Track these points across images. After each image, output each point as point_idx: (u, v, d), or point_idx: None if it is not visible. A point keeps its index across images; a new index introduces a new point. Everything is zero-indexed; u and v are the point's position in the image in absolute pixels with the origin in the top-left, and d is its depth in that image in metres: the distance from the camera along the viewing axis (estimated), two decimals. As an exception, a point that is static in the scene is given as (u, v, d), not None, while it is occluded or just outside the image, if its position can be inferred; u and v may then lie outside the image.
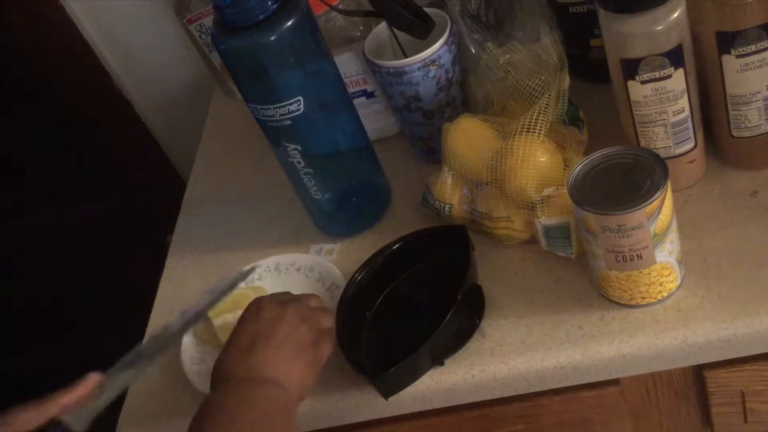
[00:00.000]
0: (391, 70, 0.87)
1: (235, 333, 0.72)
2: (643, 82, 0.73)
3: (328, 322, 0.76)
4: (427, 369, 0.74)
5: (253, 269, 0.84)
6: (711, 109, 0.79)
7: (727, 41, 0.71)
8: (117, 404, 0.83)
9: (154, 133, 1.42)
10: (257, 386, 0.67)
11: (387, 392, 0.73)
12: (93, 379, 0.63)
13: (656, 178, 0.66)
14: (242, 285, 0.89)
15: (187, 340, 0.85)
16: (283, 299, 0.75)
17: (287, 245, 0.93)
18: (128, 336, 0.96)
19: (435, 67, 0.87)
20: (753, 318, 0.69)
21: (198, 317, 0.74)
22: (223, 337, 0.80)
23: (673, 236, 0.69)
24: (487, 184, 0.80)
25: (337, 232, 0.92)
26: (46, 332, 1.90)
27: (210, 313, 0.84)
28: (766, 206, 0.77)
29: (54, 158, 1.58)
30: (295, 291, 0.79)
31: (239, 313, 0.76)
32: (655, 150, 0.72)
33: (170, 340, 0.71)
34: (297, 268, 0.89)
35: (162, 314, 0.92)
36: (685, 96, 0.74)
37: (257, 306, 0.73)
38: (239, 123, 1.13)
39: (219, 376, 0.69)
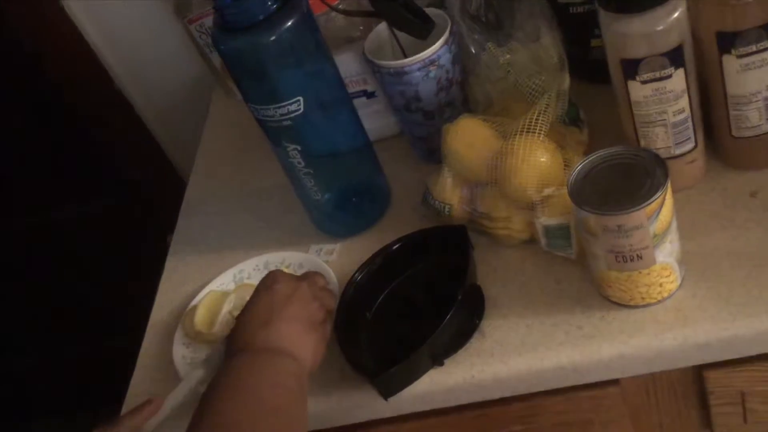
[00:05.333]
0: (391, 70, 0.87)
1: (250, 303, 0.74)
2: (643, 82, 0.73)
3: (333, 303, 0.79)
4: (427, 369, 0.74)
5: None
6: (711, 109, 0.79)
7: (728, 41, 0.71)
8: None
9: (154, 133, 1.42)
10: (272, 357, 0.69)
11: (387, 392, 0.73)
12: (157, 402, 0.72)
13: (656, 178, 0.66)
14: (231, 285, 0.89)
15: (177, 337, 0.85)
16: (295, 275, 0.79)
17: (287, 245, 0.93)
18: (128, 336, 0.96)
19: (435, 67, 0.87)
20: (753, 318, 0.69)
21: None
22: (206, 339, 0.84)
23: (673, 236, 0.69)
24: (487, 184, 0.80)
25: (337, 232, 0.92)
26: (47, 332, 1.90)
27: (196, 323, 0.85)
28: (766, 206, 0.77)
29: (54, 158, 1.58)
30: None
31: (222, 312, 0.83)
32: (655, 150, 0.72)
33: (214, 368, 0.74)
34: (286, 266, 0.89)
35: (162, 314, 0.92)
36: (686, 96, 0.74)
37: (272, 279, 0.75)
38: (239, 123, 1.13)
39: (235, 345, 0.71)
